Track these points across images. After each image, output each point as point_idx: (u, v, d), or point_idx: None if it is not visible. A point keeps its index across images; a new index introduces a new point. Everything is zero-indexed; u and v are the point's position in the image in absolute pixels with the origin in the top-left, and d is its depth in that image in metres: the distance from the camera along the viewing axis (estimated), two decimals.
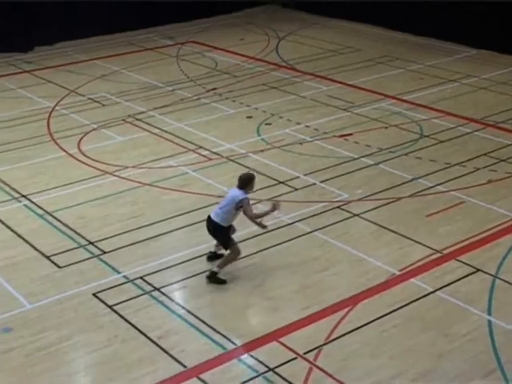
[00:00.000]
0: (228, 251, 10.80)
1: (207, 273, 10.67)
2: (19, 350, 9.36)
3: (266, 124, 16.87)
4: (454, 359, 9.09)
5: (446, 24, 23.24)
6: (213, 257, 11.17)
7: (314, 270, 11.03)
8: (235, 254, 10.72)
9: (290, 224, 12.34)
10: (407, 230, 12.09)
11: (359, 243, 11.76)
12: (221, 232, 10.70)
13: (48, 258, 11.48)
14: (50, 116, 17.64)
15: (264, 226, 10.92)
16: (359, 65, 21.48)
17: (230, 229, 10.77)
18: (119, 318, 9.96)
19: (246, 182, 10.67)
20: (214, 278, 10.60)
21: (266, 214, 10.85)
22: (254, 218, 10.69)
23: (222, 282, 10.61)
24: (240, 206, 10.49)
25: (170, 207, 13.00)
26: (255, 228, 11.85)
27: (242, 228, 11.91)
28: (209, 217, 10.73)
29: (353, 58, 22.25)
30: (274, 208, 10.78)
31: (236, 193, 10.58)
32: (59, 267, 11.21)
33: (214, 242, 11.10)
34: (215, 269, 10.61)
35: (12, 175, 14.39)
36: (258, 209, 11.47)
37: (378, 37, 24.56)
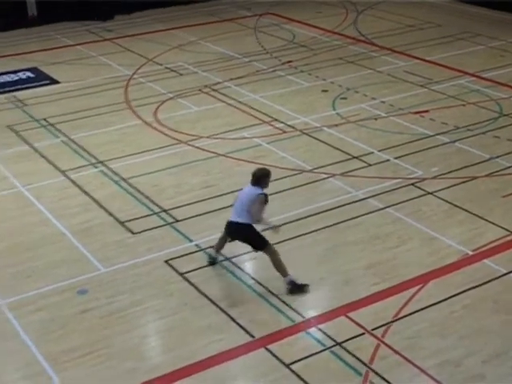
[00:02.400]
0: (265, 253, 9.89)
1: (286, 290, 9.86)
2: (94, 311, 9.63)
3: (342, 98, 16.76)
4: None
5: None
6: (213, 263, 10.50)
7: (386, 247, 10.97)
8: (276, 253, 9.85)
9: (362, 199, 12.27)
10: (482, 210, 11.89)
11: (432, 221, 11.63)
12: (249, 232, 9.83)
13: (122, 223, 11.72)
14: (127, 84, 17.90)
15: (275, 228, 10.03)
16: (439, 41, 21.07)
17: (255, 228, 9.90)
18: (190, 286, 10.12)
19: (259, 179, 9.89)
20: (295, 289, 9.82)
21: (267, 224, 9.96)
22: (257, 219, 9.75)
23: (304, 287, 9.91)
24: (256, 200, 9.70)
25: (242, 178, 13.02)
26: (324, 203, 11.94)
27: (311, 203, 11.99)
28: (230, 222, 9.98)
29: (432, 33, 21.84)
30: (275, 229, 10.01)
31: (252, 190, 9.80)
32: (133, 233, 11.43)
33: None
34: (286, 280, 9.83)
35: (90, 141, 14.70)
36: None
37: (459, 12, 24.05)
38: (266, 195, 9.83)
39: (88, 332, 9.25)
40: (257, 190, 9.80)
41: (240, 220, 9.80)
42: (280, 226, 10.21)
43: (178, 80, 18.15)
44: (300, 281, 9.96)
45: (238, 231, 9.95)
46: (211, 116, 15.88)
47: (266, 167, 10.32)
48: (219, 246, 10.43)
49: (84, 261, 10.75)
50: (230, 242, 10.37)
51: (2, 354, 8.92)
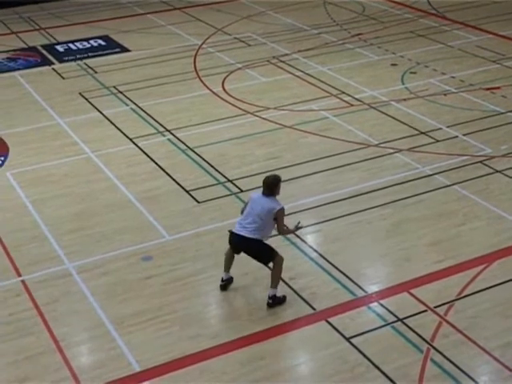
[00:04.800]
0: (272, 264, 9.31)
1: (267, 302, 9.25)
2: (157, 278, 9.80)
3: (411, 73, 16.54)
4: None
5: None
6: (227, 285, 9.65)
7: (451, 224, 10.86)
8: (281, 263, 9.21)
9: (429, 176, 12.15)
10: None
11: (499, 200, 11.45)
12: (260, 248, 9.18)
13: (188, 192, 11.85)
14: (196, 53, 17.98)
15: (299, 228, 9.40)
16: None
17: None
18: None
19: (273, 187, 9.18)
20: (275, 302, 9.24)
21: (292, 231, 9.50)
22: (284, 234, 9.75)
23: (283, 300, 9.31)
24: (277, 216, 9.11)
25: (308, 151, 13.07)
26: (390, 178, 11.89)
27: (377, 178, 11.95)
28: (238, 236, 9.17)
29: (507, 7, 21.29)
30: (297, 229, 9.39)
31: (269, 203, 9.07)
32: (198, 202, 11.55)
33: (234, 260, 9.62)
34: (271, 292, 9.21)
35: (158, 109, 14.85)
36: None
37: None
38: (283, 208, 9.16)
39: (151, 298, 9.43)
40: (274, 204, 9.10)
41: (251, 236, 9.05)
42: (301, 225, 9.42)
43: (247, 50, 18.16)
44: (364, 253, 9.91)
45: (248, 247, 9.19)
46: (279, 87, 15.87)
47: (276, 173, 9.56)
48: (228, 265, 9.59)
49: (149, 228, 10.93)
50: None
51: (71, 314, 9.18)
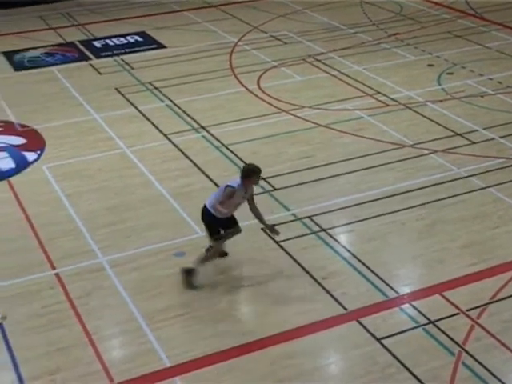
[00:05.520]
0: (212, 244, 9.67)
1: (183, 269, 9.56)
2: None
3: (448, 73, 16.40)
4: None
5: None
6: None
7: (486, 227, 10.75)
8: (216, 251, 9.63)
9: (464, 177, 12.04)
10: None
11: None
12: (212, 222, 9.48)
13: None
14: (232, 51, 18.01)
15: (273, 230, 9.58)
16: None
17: (220, 220, 9.44)
18: (285, 255, 10.19)
19: (245, 174, 9.28)
20: (188, 276, 9.51)
21: (224, 213, 9.38)
22: (219, 212, 9.29)
23: (193, 273, 9.50)
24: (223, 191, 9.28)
25: (342, 150, 13.02)
26: (425, 179, 11.80)
27: (411, 178, 11.86)
28: (204, 205, 9.55)
29: None
30: (273, 232, 9.58)
31: (229, 182, 9.38)
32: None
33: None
34: (193, 265, 9.50)
35: (193, 106, 14.90)
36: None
37: None
38: (233, 189, 9.17)
39: (182, 293, 9.47)
40: (231, 182, 9.32)
41: (210, 208, 9.37)
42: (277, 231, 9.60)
43: (283, 49, 18.13)
44: (396, 253, 9.88)
45: (203, 215, 9.51)
46: (314, 86, 15.83)
47: (256, 164, 9.53)
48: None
49: (182, 224, 10.97)
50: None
51: (104, 308, 9.26)
